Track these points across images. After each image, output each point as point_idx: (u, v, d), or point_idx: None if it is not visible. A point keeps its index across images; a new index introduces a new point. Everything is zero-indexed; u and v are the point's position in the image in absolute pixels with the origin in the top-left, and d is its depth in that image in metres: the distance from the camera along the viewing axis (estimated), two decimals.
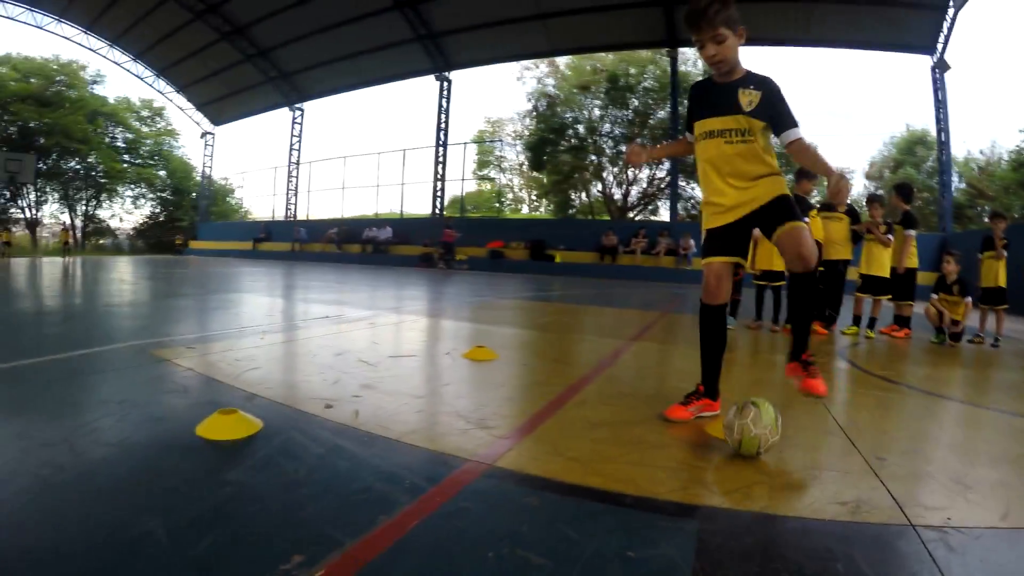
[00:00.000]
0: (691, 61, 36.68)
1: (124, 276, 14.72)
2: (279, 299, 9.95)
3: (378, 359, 4.54)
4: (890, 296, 8.10)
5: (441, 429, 2.86)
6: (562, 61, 39.62)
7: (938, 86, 23.35)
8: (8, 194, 44.89)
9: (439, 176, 32.99)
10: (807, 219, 7.76)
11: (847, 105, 65.62)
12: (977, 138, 70.53)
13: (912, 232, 8.08)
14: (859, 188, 43.74)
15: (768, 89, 2.99)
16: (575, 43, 28.38)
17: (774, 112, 2.97)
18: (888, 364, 5.80)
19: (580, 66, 39.37)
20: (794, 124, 2.95)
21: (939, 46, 22.76)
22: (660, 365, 5.22)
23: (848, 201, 8.57)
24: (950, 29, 22.11)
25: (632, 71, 38.39)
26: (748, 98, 2.97)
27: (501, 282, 17.87)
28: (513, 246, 27.98)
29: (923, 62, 23.78)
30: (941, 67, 23.06)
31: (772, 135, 3.06)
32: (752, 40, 17.43)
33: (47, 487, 1.97)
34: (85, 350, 4.56)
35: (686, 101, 3.38)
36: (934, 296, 7.79)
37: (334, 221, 37.80)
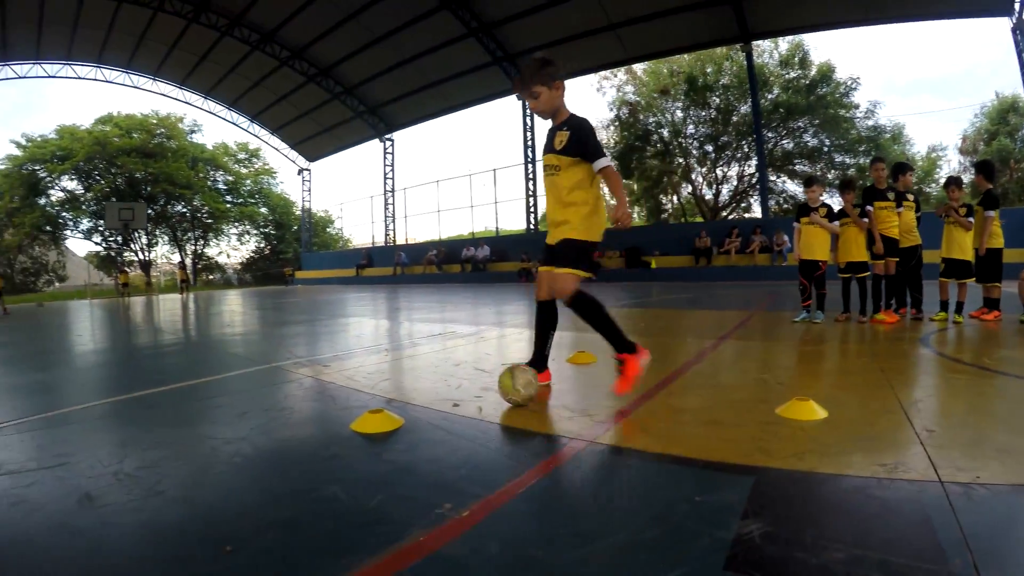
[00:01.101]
0: (767, 53, 36.50)
1: (243, 308, 16.17)
2: (391, 321, 10.59)
3: (492, 367, 5.10)
4: (974, 279, 7.87)
5: (551, 418, 3.41)
6: (639, 67, 39.81)
7: (1020, 48, 22.26)
8: (121, 239, 48.32)
9: (530, 192, 33.70)
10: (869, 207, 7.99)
11: (934, 80, 63.26)
12: None
13: (992, 213, 7.69)
14: (954, 164, 42.29)
15: (576, 128, 3.65)
16: (649, 49, 28.55)
17: (582, 147, 3.62)
18: (968, 347, 5.82)
19: (657, 70, 39.54)
20: (600, 155, 3.59)
21: (1016, 6, 21.53)
22: (740, 360, 5.48)
23: (911, 186, 8.58)
24: None
25: (709, 70, 38.34)
26: (560, 138, 3.69)
27: (597, 292, 18.21)
28: (608, 255, 28.06)
29: (1003, 25, 22.56)
30: (1021, 28, 22.08)
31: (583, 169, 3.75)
32: (829, 24, 17.37)
33: (242, 468, 2.67)
34: (233, 372, 5.50)
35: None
36: None
37: (432, 243, 39.23)
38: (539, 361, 4.07)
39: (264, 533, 1.98)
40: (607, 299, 13.72)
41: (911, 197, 8.34)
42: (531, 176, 33.59)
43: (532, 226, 33.90)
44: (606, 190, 3.85)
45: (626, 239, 28.22)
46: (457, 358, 5.77)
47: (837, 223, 8.01)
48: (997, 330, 6.87)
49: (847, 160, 36.18)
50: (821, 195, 8.20)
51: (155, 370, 5.94)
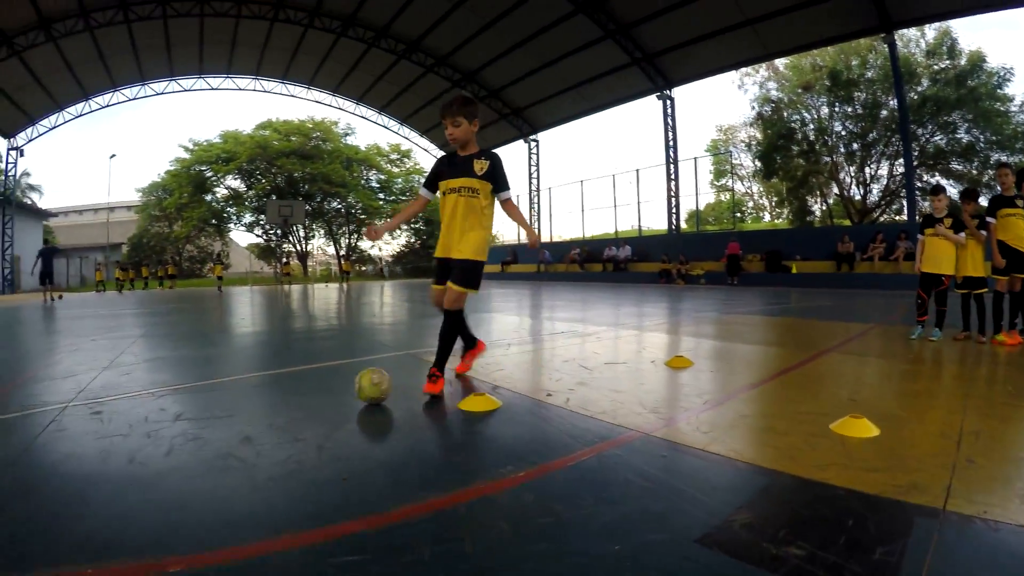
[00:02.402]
0: (913, 42, 34.81)
1: (393, 299, 18.14)
2: (526, 317, 11.38)
3: (595, 365, 5.68)
4: None
5: (623, 412, 3.89)
6: (781, 63, 39.11)
7: None
8: (280, 232, 52.70)
9: (672, 192, 33.81)
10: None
11: None
12: None
13: None
14: None
15: (493, 160, 4.37)
16: (788, 43, 27.78)
17: (496, 176, 4.37)
18: None
19: (800, 65, 38.80)
20: (507, 187, 4.45)
21: None
22: (830, 374, 5.43)
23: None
24: None
25: (854, 63, 37.17)
26: (480, 165, 4.32)
27: (735, 296, 18.19)
28: (749, 258, 27.71)
29: None
30: None
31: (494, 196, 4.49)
32: (978, 8, 16.30)
33: (366, 427, 3.81)
34: (376, 355, 6.81)
35: (431, 167, 4.85)
36: None
37: (576, 242, 40.30)
38: (469, 339, 5.12)
39: (373, 472, 2.87)
40: (741, 304, 13.90)
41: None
42: (673, 177, 33.59)
43: (674, 227, 33.92)
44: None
45: (767, 243, 27.98)
46: (568, 355, 6.41)
47: (963, 235, 7.51)
48: None
49: (1004, 157, 32.25)
50: (948, 204, 7.76)
51: (307, 351, 7.44)
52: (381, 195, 60.11)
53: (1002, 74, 32.85)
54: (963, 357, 6.34)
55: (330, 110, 52.98)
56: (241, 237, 73.37)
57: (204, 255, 58.76)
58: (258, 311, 14.31)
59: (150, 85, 37.79)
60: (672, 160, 33.61)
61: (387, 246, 64.53)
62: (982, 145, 34.01)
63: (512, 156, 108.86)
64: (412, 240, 64.09)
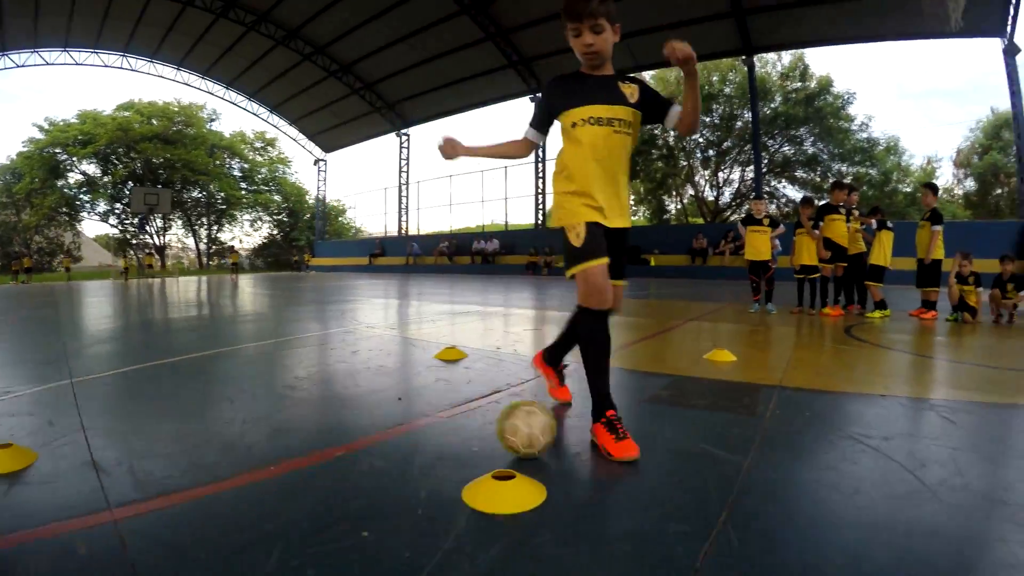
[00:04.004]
0: (770, 64, 39.11)
1: (300, 291, 17.68)
2: (430, 303, 12.31)
3: (518, 330, 7.42)
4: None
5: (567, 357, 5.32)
6: (648, 75, 41.91)
7: (1010, 70, 23.96)
8: (138, 222, 51.40)
9: (540, 190, 36.67)
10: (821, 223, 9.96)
11: (947, 91, 66.14)
12: None
13: (938, 227, 9.30)
14: (948, 177, 45.41)
15: (642, 83, 3.01)
16: (657, 58, 30.58)
17: (652, 99, 3.01)
18: (875, 333, 7.48)
19: (665, 77, 41.89)
20: (672, 101, 3.03)
21: (1008, 28, 23.29)
22: (700, 332, 7.47)
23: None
24: (1016, 11, 22.82)
25: (715, 78, 40.84)
26: (630, 90, 2.93)
27: None
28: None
29: (994, 46, 24.34)
30: (1011, 51, 23.74)
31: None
32: (826, 41, 19.54)
33: (353, 370, 4.99)
34: (329, 330, 7.63)
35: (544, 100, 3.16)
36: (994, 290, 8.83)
37: (444, 235, 42.32)
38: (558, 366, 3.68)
39: (364, 397, 3.83)
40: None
41: (856, 212, 10.11)
42: (541, 175, 36.62)
43: (540, 221, 37.03)
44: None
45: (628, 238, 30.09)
46: (490, 325, 8.05)
47: (781, 229, 10.38)
48: (932, 327, 8.26)
49: (844, 168, 40.32)
50: (766, 209, 10.40)
51: (275, 326, 8.63)
52: (243, 184, 60.02)
53: (846, 97, 39.54)
54: (797, 323, 8.55)
55: (196, 94, 51.39)
56: (91, 227, 68.52)
57: (53, 247, 55.22)
58: (197, 309, 12.20)
59: (9, 56, 36.57)
60: (541, 159, 36.43)
61: (247, 238, 63.75)
62: (824, 157, 40.95)
63: (383, 149, 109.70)
64: (274, 232, 62.83)
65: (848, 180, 38.12)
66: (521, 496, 2.09)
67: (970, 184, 44.94)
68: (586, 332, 2.95)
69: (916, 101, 67.34)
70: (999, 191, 41.43)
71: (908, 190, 41.38)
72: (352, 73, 38.73)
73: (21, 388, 4.02)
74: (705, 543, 1.81)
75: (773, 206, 39.88)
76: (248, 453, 2.69)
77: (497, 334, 7.03)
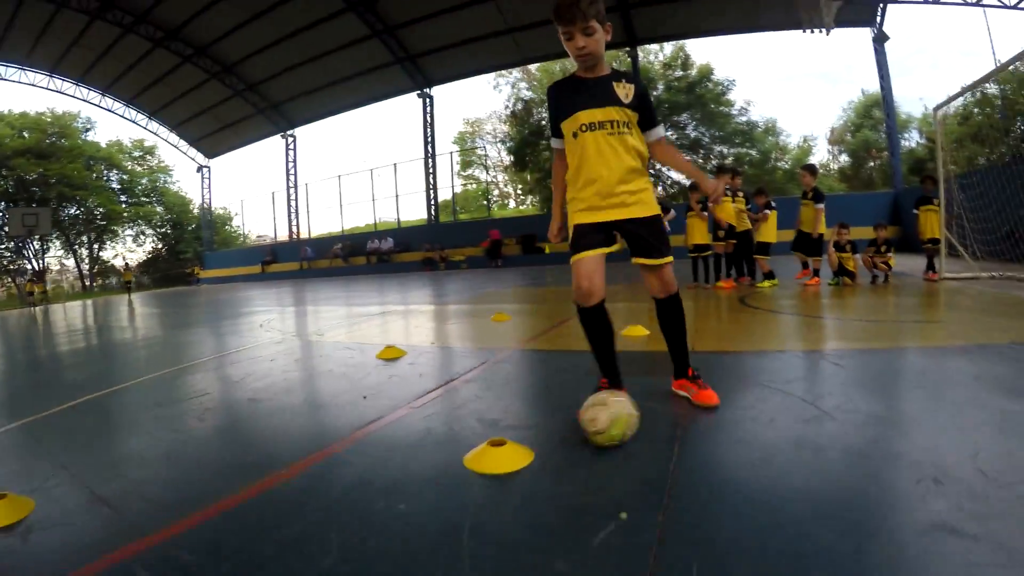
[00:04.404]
0: (652, 54, 40.92)
1: (206, 306, 17.24)
2: (345, 305, 12.73)
3: (435, 326, 7.99)
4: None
5: (495, 343, 6.00)
6: (534, 67, 42.68)
7: (879, 56, 26.18)
8: (16, 247, 48.61)
9: (431, 185, 37.22)
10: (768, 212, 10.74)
11: (823, 72, 70.32)
12: (934, 96, 74.17)
13: (821, 205, 10.23)
14: (823, 154, 48.86)
15: (639, 84, 3.10)
16: (543, 51, 31.90)
17: (645, 107, 3.09)
18: (762, 299, 8.49)
19: (550, 68, 42.72)
20: (660, 122, 3.16)
21: (877, 19, 25.50)
22: (611, 312, 8.13)
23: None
24: (884, 4, 25.27)
25: None
26: (624, 91, 3.02)
27: (500, 275, 21.99)
28: (506, 242, 31.89)
29: (865, 34, 26.75)
30: (880, 39, 26.03)
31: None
32: (706, 32, 21.10)
33: (317, 375, 6.87)
34: (266, 341, 7.93)
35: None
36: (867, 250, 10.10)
37: (337, 236, 42.35)
38: (618, 377, 3.34)
39: (332, 400, 4.06)
40: (512, 282, 16.26)
41: (740, 194, 11.09)
42: (431, 170, 37.38)
43: (434, 217, 37.56)
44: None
45: (521, 228, 32.39)
46: (411, 323, 8.59)
47: (672, 214, 11.59)
48: (813, 291, 9.34)
49: (725, 150, 43.06)
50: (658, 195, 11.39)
51: (198, 345, 8.81)
52: (123, 197, 56.47)
53: (726, 84, 41.86)
54: (695, 297, 9.35)
55: (70, 102, 48.33)
56: None
57: None
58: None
59: None
60: (431, 155, 37.13)
61: (131, 254, 60.03)
62: (706, 140, 43.57)
63: (268, 152, 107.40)
64: (159, 246, 60.18)
65: (730, 161, 41.32)
66: (513, 458, 2.58)
67: (844, 159, 49.44)
68: (581, 320, 3.25)
69: (792, 83, 71.04)
70: (871, 164, 46.36)
71: (787, 167, 44.58)
72: (234, 74, 37.82)
73: None
74: (670, 462, 2.50)
75: (660, 188, 41.40)
76: (250, 464, 2.91)
77: (423, 331, 7.53)
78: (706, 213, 10.69)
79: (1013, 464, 2.20)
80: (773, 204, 10.87)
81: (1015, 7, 23.16)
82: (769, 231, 10.77)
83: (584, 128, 3.03)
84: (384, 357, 5.50)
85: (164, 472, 2.92)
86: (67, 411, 4.46)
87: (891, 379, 3.84)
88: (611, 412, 2.62)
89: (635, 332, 5.69)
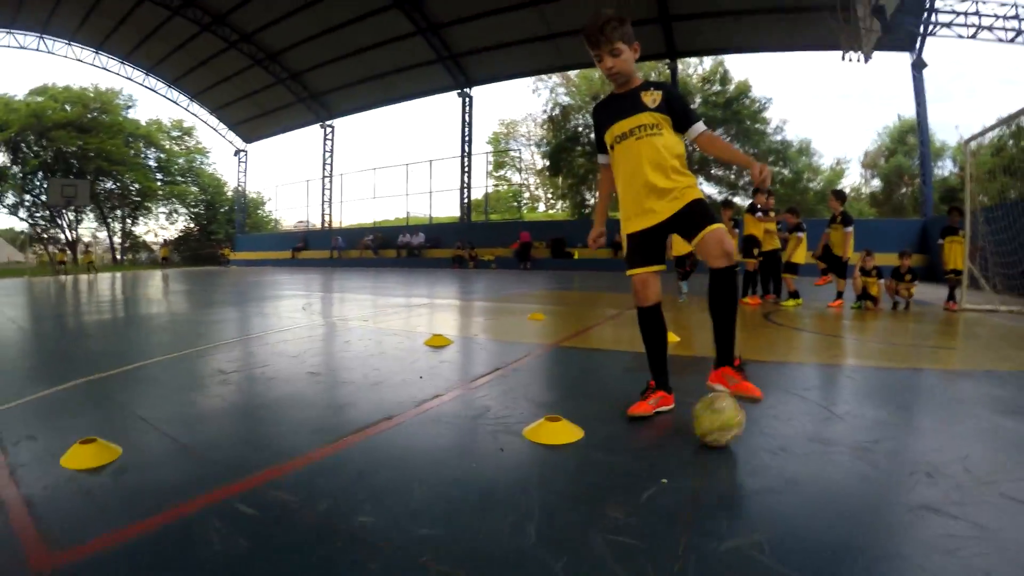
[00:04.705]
0: (691, 67, 41.09)
1: (247, 287, 17.08)
2: (376, 296, 13.09)
3: (482, 317, 8.60)
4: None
5: (532, 338, 6.38)
6: (573, 73, 43.30)
7: (917, 83, 26.30)
8: (50, 216, 49.67)
9: (465, 184, 37.85)
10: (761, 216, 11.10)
11: (843, 97, 70.61)
12: (971, 123, 74.60)
13: (849, 229, 10.55)
14: (855, 177, 49.34)
15: (667, 89, 3.31)
16: (584, 58, 31.62)
17: (677, 108, 3.26)
18: (785, 317, 8.87)
19: (590, 75, 43.34)
20: (697, 118, 3.26)
21: (917, 45, 25.58)
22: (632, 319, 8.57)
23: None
24: (924, 31, 25.09)
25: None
26: (651, 97, 3.24)
27: (529, 277, 22.48)
28: (536, 245, 32.18)
29: (903, 59, 26.90)
30: (918, 65, 26.16)
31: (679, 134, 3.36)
32: (746, 48, 21.70)
33: (364, 347, 6.51)
34: (317, 322, 8.53)
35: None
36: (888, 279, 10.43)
37: (369, 228, 42.77)
38: (667, 381, 3.52)
39: (391, 377, 4.31)
40: (541, 284, 16.69)
41: (772, 213, 11.26)
42: (467, 169, 37.99)
43: (467, 216, 38.17)
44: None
45: (552, 232, 32.87)
46: (451, 316, 9.15)
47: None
48: (836, 312, 9.78)
49: None
50: None
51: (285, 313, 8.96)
52: (159, 175, 57.32)
53: (763, 102, 43.26)
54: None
55: (113, 79, 49.09)
56: None
57: None
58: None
59: None
60: (467, 153, 37.67)
61: (163, 231, 60.98)
62: None
63: (304, 141, 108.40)
64: (191, 226, 60.28)
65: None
66: (568, 433, 2.97)
67: (876, 184, 49.96)
68: (639, 320, 3.46)
69: (827, 103, 71.00)
70: (903, 191, 46.65)
71: (818, 188, 45.33)
72: (278, 62, 38.41)
73: (44, 388, 4.07)
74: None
75: None
76: (326, 426, 3.20)
77: (464, 323, 8.04)
78: (737, 230, 11.07)
79: (997, 467, 2.57)
80: (804, 227, 11.31)
81: None
82: (799, 253, 11.27)
83: (618, 139, 3.31)
84: (432, 344, 5.85)
85: (242, 429, 3.25)
86: (135, 371, 4.75)
87: (899, 393, 4.20)
88: (739, 415, 2.77)
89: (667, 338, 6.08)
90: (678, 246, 11.42)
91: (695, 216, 3.18)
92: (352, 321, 8.31)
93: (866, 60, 18.80)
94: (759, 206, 11.15)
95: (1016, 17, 23.53)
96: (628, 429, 3.17)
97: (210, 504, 2.20)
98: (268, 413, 3.53)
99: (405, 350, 5.70)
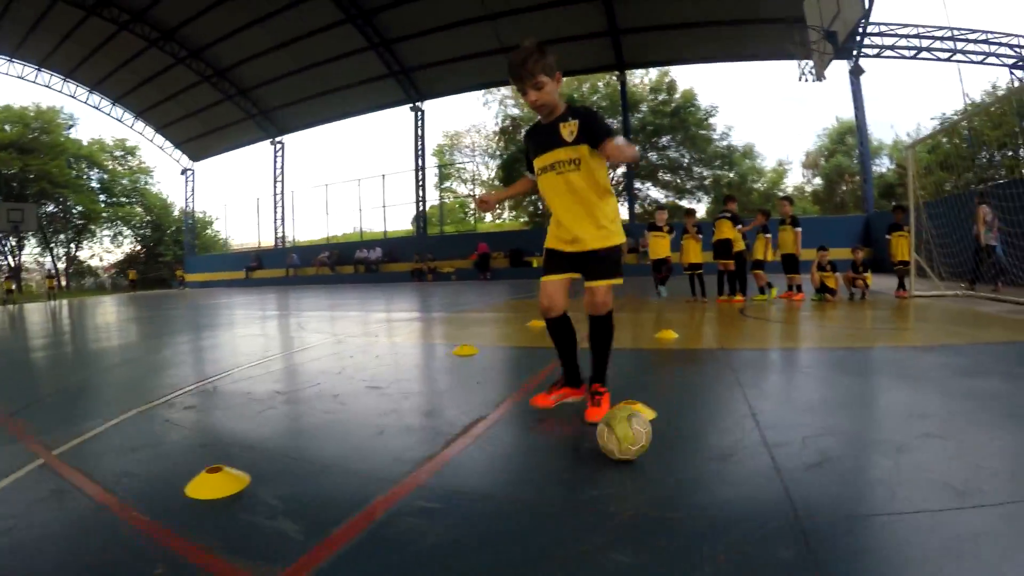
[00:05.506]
0: (639, 77, 43.39)
1: (224, 308, 16.61)
2: (356, 311, 13.19)
3: (485, 328, 9.13)
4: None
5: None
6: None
7: (855, 87, 27.85)
8: None
9: (420, 197, 38.56)
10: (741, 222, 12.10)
11: (801, 96, 73.34)
12: (905, 122, 77.76)
13: (799, 228, 11.89)
14: (797, 177, 52.09)
15: (583, 115, 3.40)
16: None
17: (591, 132, 3.33)
18: (758, 311, 9.82)
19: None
20: (608, 133, 3.28)
21: (855, 53, 27.08)
22: (638, 315, 9.52)
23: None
24: (861, 40, 26.61)
25: (586, 87, 44.40)
26: (568, 129, 3.36)
27: (492, 288, 22.98)
28: (494, 255, 33.12)
29: (842, 66, 28.31)
30: (856, 72, 27.62)
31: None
32: (695, 59, 23.28)
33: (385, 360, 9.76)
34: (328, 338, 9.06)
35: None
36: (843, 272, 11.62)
37: (323, 245, 42.95)
38: (576, 377, 3.83)
39: (456, 386, 4.80)
40: (499, 295, 17.94)
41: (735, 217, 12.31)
42: (421, 183, 38.66)
43: (422, 228, 38.92)
44: None
45: (509, 242, 33.84)
46: (456, 327, 9.27)
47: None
48: (799, 305, 10.77)
49: (704, 172, 46.74)
50: (667, 218, 12.96)
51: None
52: (102, 196, 56.35)
53: (709, 110, 44.94)
54: (691, 309, 10.85)
55: (55, 97, 47.58)
56: None
57: None
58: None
59: None
60: (420, 167, 38.39)
61: (108, 255, 60.15)
62: (687, 161, 46.54)
63: (253, 158, 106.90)
64: (136, 248, 59.47)
65: (707, 182, 45.60)
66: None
67: (818, 182, 53.46)
68: (548, 328, 3.77)
69: (767, 106, 73.64)
70: (843, 188, 49.77)
71: (762, 188, 47.77)
72: (227, 79, 38.20)
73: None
74: (749, 407, 3.62)
75: (637, 206, 43.07)
76: (431, 430, 3.39)
77: (472, 334, 8.26)
78: (700, 235, 12.10)
79: (954, 411, 3.40)
80: (768, 228, 12.40)
81: (982, 63, 25.45)
82: (766, 251, 12.42)
83: (541, 171, 3.55)
84: (460, 354, 6.01)
85: (356, 441, 3.35)
86: (186, 395, 4.67)
87: (870, 365, 5.14)
88: (645, 428, 2.75)
89: (666, 335, 6.71)
90: (654, 250, 12.39)
91: (593, 262, 3.50)
92: (360, 337, 8.30)
93: (819, 79, 19.99)
94: (731, 211, 12.26)
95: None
96: (692, 410, 3.84)
97: (392, 504, 2.38)
98: (364, 426, 3.61)
99: (438, 360, 6.07)
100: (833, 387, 4.28)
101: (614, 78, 36.52)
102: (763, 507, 2.22)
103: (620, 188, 43.93)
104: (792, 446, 2.85)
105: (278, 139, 43.48)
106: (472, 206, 55.78)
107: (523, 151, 3.80)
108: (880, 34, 27.15)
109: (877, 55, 27.71)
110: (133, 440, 3.48)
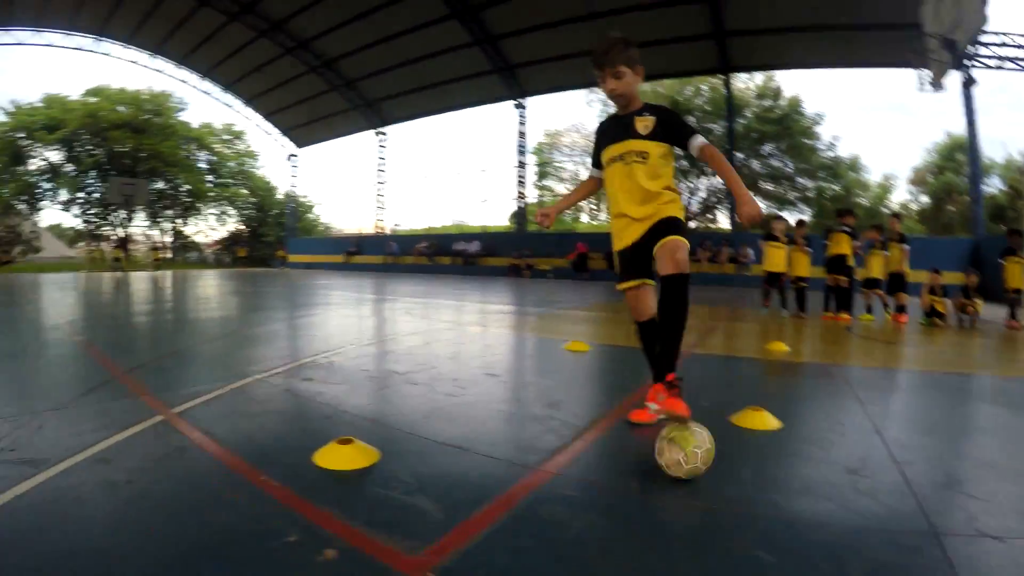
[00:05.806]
0: (741, 81, 43.01)
1: (311, 291, 16.60)
2: (457, 302, 13.41)
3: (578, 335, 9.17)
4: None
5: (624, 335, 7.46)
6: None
7: (967, 102, 26.76)
8: (105, 214, 51.08)
9: (521, 194, 38.72)
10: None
11: (886, 109, 71.06)
12: (1016, 137, 74.78)
13: (908, 246, 11.71)
14: (903, 194, 50.71)
15: (661, 113, 3.45)
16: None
17: (671, 130, 3.40)
18: (869, 331, 9.72)
19: (643, 90, 43.38)
20: (693, 133, 3.36)
21: (965, 64, 25.99)
22: (731, 330, 9.37)
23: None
24: (975, 50, 25.52)
25: (688, 91, 44.40)
26: (644, 123, 3.39)
27: (591, 287, 22.99)
28: (592, 256, 32.66)
29: (954, 77, 27.11)
30: (968, 83, 26.46)
31: (677, 155, 3.55)
32: (805, 64, 22.67)
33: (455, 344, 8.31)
34: (445, 326, 9.61)
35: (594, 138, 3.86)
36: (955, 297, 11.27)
37: (421, 235, 43.63)
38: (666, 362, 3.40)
39: (571, 373, 5.21)
40: (599, 295, 17.88)
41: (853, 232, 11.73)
42: (522, 179, 38.83)
43: (521, 224, 39.19)
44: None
45: (606, 243, 31.85)
46: (556, 324, 9.59)
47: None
48: (903, 327, 10.52)
49: (808, 183, 45.10)
50: (784, 228, 12.09)
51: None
52: (210, 177, 58.78)
53: (815, 118, 43.60)
54: (795, 323, 10.63)
55: (167, 82, 49.88)
56: (48, 217, 63.82)
57: (12, 236, 48.77)
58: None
59: None
60: (522, 163, 38.67)
61: (213, 232, 62.45)
62: (789, 171, 45.02)
63: (356, 147, 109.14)
64: (240, 228, 61.28)
65: (811, 194, 43.94)
66: (769, 422, 3.56)
67: (924, 200, 50.30)
68: (638, 335, 3.69)
69: (871, 114, 71.35)
70: (951, 208, 47.24)
71: (867, 204, 46.36)
72: (333, 70, 38.98)
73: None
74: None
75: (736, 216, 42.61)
76: (595, 404, 3.94)
77: (576, 331, 8.48)
78: (809, 248, 11.87)
79: None
80: (885, 244, 12.07)
81: None
82: (883, 268, 12.07)
83: (611, 161, 3.54)
84: (572, 349, 6.19)
85: (496, 424, 3.53)
86: (303, 368, 4.94)
87: (985, 393, 5.19)
88: (703, 447, 2.61)
89: (777, 347, 6.77)
90: (770, 261, 11.99)
91: (660, 227, 3.35)
92: (468, 326, 8.65)
93: (939, 89, 19.46)
94: (845, 226, 11.68)
95: None
96: (816, 413, 4.13)
97: (532, 490, 2.46)
98: (488, 411, 3.74)
99: (554, 353, 6.20)
100: (951, 412, 4.36)
101: (718, 81, 36.09)
102: (899, 519, 2.28)
103: (721, 196, 43.91)
104: (919, 464, 2.91)
105: (381, 129, 44.47)
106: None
107: None
108: (993, 44, 26.01)
109: (999, 67, 26.51)
110: (254, 406, 3.65)
